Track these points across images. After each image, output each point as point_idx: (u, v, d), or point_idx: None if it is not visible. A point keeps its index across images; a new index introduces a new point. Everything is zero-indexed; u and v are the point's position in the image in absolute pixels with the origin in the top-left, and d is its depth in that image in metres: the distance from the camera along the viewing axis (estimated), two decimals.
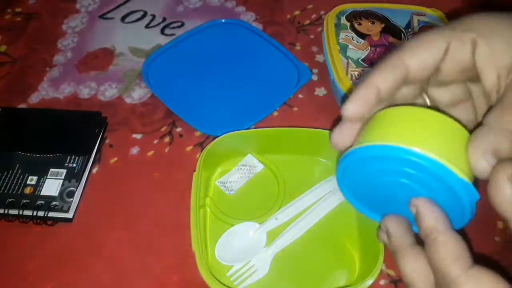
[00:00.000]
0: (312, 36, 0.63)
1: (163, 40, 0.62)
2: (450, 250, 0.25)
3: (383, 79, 0.25)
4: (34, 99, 0.56)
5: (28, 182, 0.47)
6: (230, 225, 0.45)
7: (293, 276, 0.43)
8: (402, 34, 0.56)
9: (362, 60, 0.53)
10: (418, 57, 0.25)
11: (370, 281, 0.38)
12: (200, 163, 0.45)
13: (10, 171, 0.48)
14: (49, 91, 0.57)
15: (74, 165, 0.48)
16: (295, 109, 0.55)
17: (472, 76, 0.26)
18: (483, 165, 0.23)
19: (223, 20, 0.63)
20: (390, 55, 0.26)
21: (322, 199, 0.46)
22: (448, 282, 0.24)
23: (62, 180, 0.47)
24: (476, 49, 0.25)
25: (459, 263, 0.24)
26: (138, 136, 0.53)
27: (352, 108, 0.25)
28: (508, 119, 0.23)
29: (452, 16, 0.62)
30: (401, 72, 0.25)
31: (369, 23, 0.57)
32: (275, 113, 0.54)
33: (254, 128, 0.52)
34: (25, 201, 0.46)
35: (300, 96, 0.56)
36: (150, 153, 0.51)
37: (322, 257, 0.44)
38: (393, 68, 0.25)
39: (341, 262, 0.44)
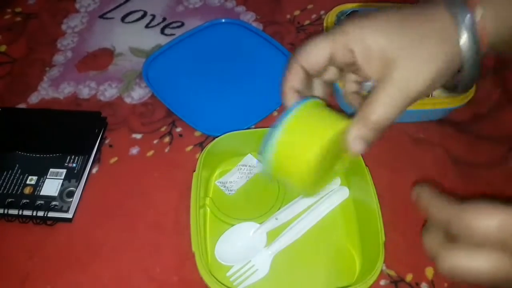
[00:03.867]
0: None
1: (163, 40, 0.62)
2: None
3: (292, 79, 0.35)
4: (34, 99, 0.56)
5: (28, 182, 0.47)
6: (230, 225, 0.45)
7: (293, 276, 0.43)
8: None
9: None
10: (309, 63, 0.34)
11: (370, 281, 0.38)
12: (200, 163, 0.45)
13: (10, 171, 0.48)
14: (49, 91, 0.57)
15: (74, 165, 0.48)
16: None
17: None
18: (356, 148, 0.32)
19: (223, 20, 0.63)
20: (292, 58, 0.34)
21: (322, 199, 0.46)
22: None
23: (62, 180, 0.47)
24: (354, 52, 0.32)
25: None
26: (138, 136, 0.52)
27: (287, 103, 0.35)
28: (369, 110, 0.31)
29: None
30: (302, 72, 0.34)
31: None
32: (275, 113, 0.54)
33: (254, 128, 0.52)
34: (25, 201, 0.46)
35: None
36: (150, 153, 0.51)
37: (323, 258, 0.44)
38: (295, 71, 0.34)
39: (342, 262, 0.44)
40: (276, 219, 0.45)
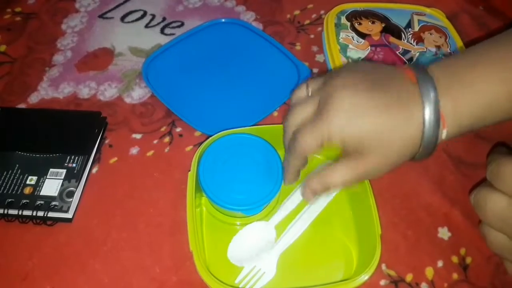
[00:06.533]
0: (312, 36, 0.63)
1: (163, 40, 0.62)
2: None
3: (296, 165, 0.40)
4: (33, 99, 0.56)
5: (28, 182, 0.47)
6: (227, 224, 0.45)
7: (297, 274, 0.43)
8: (402, 34, 0.56)
9: (362, 60, 0.53)
10: (306, 154, 0.38)
11: (366, 276, 0.38)
12: (195, 163, 0.45)
13: (10, 171, 0.48)
14: (48, 91, 0.57)
15: (74, 165, 0.48)
16: None
17: None
18: (305, 196, 0.39)
19: (223, 20, 0.63)
20: (291, 149, 0.38)
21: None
22: None
23: (61, 180, 0.47)
24: (333, 141, 0.36)
25: None
26: (138, 136, 0.52)
27: (289, 182, 0.42)
28: (329, 174, 0.37)
29: (452, 16, 0.62)
30: (303, 159, 0.39)
31: (369, 23, 0.57)
32: (275, 113, 0.54)
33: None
34: (24, 201, 0.46)
35: None
36: (150, 153, 0.51)
37: (322, 253, 0.44)
38: (297, 160, 0.39)
39: (339, 257, 0.44)
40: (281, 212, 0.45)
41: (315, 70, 0.59)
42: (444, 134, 0.34)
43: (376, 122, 0.34)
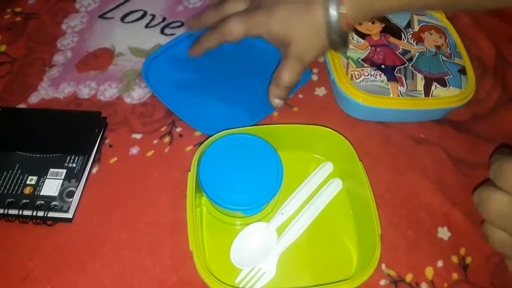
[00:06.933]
0: None
1: (163, 40, 0.62)
2: None
3: (211, 44, 0.51)
4: (34, 99, 0.56)
5: (28, 182, 0.47)
6: (227, 224, 0.45)
7: (297, 274, 0.43)
8: (402, 34, 0.56)
9: (362, 60, 0.53)
10: (229, 38, 0.47)
11: (368, 274, 0.38)
12: (195, 163, 0.45)
13: (10, 171, 0.48)
14: (49, 91, 0.57)
15: (74, 165, 0.48)
16: (295, 109, 0.55)
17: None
18: (275, 104, 0.49)
19: None
20: (217, 29, 0.48)
21: (318, 193, 0.47)
22: None
23: (62, 180, 0.47)
24: (263, 35, 0.46)
25: None
26: (138, 136, 0.52)
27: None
28: (279, 77, 0.47)
29: (451, 16, 0.62)
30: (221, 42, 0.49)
31: (369, 23, 0.57)
32: (275, 113, 0.54)
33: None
34: (25, 201, 0.46)
35: (300, 96, 0.56)
36: (150, 153, 0.51)
37: (322, 253, 0.45)
38: (216, 40, 0.49)
39: (339, 257, 0.44)
40: (282, 214, 0.45)
41: (315, 71, 0.59)
42: (343, 12, 0.41)
43: (291, 20, 0.44)
